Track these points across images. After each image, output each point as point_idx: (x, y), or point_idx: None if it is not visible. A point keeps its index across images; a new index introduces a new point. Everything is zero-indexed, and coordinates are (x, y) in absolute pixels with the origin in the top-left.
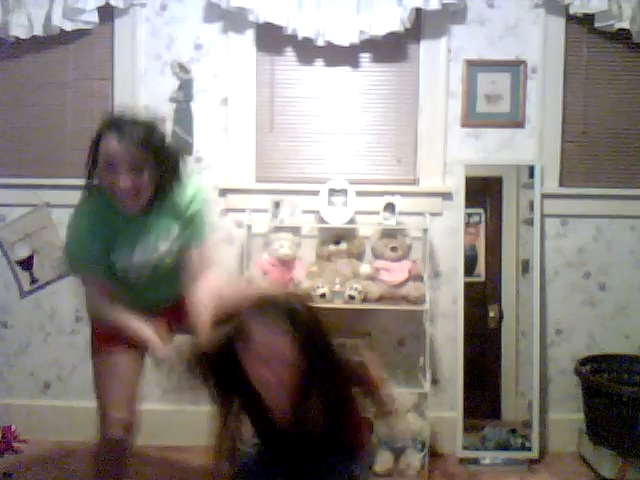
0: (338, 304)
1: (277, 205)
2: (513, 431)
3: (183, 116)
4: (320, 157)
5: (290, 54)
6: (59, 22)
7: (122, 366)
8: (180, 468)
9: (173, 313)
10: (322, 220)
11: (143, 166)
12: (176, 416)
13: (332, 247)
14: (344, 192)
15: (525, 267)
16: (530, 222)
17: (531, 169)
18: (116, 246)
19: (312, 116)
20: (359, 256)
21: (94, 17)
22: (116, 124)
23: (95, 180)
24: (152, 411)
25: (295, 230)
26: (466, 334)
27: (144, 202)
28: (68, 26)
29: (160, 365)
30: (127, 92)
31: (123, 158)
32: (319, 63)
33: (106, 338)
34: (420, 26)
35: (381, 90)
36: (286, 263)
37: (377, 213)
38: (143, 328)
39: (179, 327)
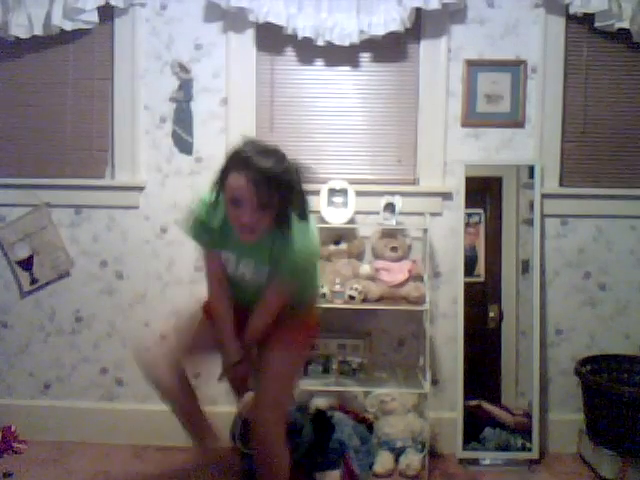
0: (338, 304)
1: None
2: (513, 431)
3: (183, 116)
4: (320, 157)
5: (290, 54)
6: (59, 22)
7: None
8: (180, 468)
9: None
10: (322, 220)
11: (267, 205)
12: None
13: (332, 247)
14: (344, 192)
15: (525, 267)
16: (530, 222)
17: (531, 169)
18: (225, 245)
19: (312, 116)
20: (359, 256)
21: (94, 17)
22: (246, 161)
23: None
24: (152, 411)
25: None
26: (466, 334)
27: (259, 236)
28: (68, 26)
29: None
30: (127, 92)
31: (250, 197)
32: (319, 63)
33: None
34: (420, 26)
35: (381, 90)
36: None
37: (377, 213)
38: (228, 331)
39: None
